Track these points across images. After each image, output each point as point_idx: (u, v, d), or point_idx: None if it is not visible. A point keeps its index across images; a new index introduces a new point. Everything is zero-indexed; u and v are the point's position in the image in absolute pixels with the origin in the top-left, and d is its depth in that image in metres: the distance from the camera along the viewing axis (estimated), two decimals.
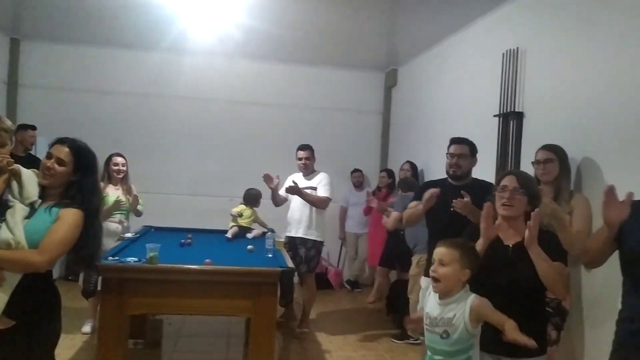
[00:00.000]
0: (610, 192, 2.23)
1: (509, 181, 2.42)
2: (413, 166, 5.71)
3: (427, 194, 3.31)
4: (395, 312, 5.38)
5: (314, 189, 4.89)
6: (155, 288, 3.25)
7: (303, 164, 5.00)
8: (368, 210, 6.33)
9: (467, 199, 3.05)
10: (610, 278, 2.49)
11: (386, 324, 5.38)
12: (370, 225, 6.49)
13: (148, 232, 4.73)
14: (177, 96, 6.85)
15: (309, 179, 4.99)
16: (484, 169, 3.73)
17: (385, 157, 7.34)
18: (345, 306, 6.16)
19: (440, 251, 2.25)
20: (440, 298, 2.25)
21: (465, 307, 2.17)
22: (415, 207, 3.57)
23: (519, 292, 2.29)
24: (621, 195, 2.20)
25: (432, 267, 2.26)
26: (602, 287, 2.89)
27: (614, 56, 2.95)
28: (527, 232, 2.23)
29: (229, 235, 4.72)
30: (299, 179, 4.98)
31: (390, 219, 4.47)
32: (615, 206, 2.22)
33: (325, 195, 4.84)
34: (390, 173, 6.23)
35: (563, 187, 3.05)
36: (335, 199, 6.86)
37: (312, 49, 6.36)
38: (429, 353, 2.31)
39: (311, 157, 5.01)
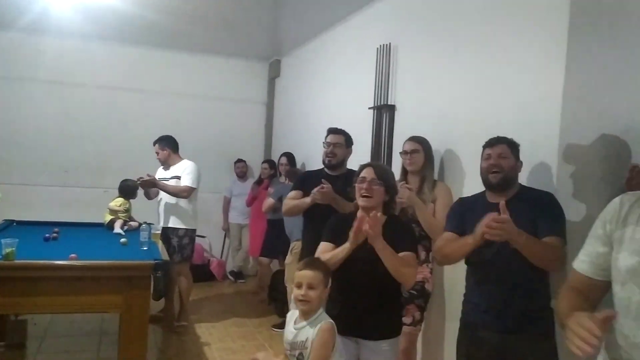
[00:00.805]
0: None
1: (367, 173, 2.53)
2: (290, 159, 5.76)
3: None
4: (276, 302, 5.43)
5: (178, 177, 4.80)
6: (14, 286, 3.01)
7: (158, 158, 4.96)
8: (251, 201, 6.32)
9: (327, 187, 3.17)
10: None
11: (268, 313, 5.41)
12: (251, 216, 6.48)
13: (9, 227, 4.37)
14: (39, 80, 6.29)
15: (167, 169, 4.93)
16: (360, 160, 3.84)
17: (269, 147, 7.36)
18: (228, 297, 6.12)
19: (308, 275, 2.27)
20: (300, 319, 2.30)
21: (315, 330, 2.23)
22: (295, 197, 3.62)
23: (376, 281, 2.40)
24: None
25: (300, 292, 2.26)
26: (462, 269, 3.11)
27: (472, 56, 3.16)
28: (367, 229, 2.29)
29: (118, 229, 4.52)
30: (159, 171, 4.96)
31: (265, 205, 4.54)
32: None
33: (188, 184, 4.76)
34: (272, 164, 6.25)
35: (427, 177, 3.24)
36: (218, 189, 6.84)
37: (192, 36, 6.20)
38: None
39: (166, 149, 4.93)
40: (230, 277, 6.97)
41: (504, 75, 2.90)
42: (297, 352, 2.26)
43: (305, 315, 2.28)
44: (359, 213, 2.52)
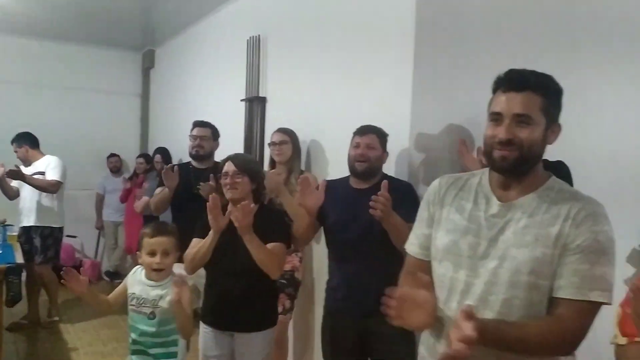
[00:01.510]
0: (305, 182, 2.47)
1: (227, 167, 2.52)
2: (165, 155, 5.59)
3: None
4: None
5: (42, 173, 4.51)
6: None
7: (18, 157, 4.67)
8: (125, 197, 6.06)
9: (210, 182, 3.14)
10: None
11: None
12: (126, 213, 6.21)
13: None
14: None
15: (29, 166, 4.64)
16: (234, 152, 3.83)
17: (145, 141, 7.08)
18: None
19: (162, 241, 2.24)
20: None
21: (169, 288, 2.22)
22: (161, 192, 3.53)
23: (250, 272, 2.39)
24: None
25: (154, 260, 2.24)
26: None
27: (337, 49, 3.25)
28: (236, 220, 2.28)
29: None
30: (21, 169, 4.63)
31: (139, 203, 4.37)
32: (311, 194, 2.48)
33: (54, 178, 4.49)
34: (148, 158, 6.03)
35: (295, 167, 3.30)
36: (90, 185, 6.48)
37: (56, 23, 5.78)
38: (132, 334, 2.31)
39: (24, 146, 4.65)
40: (105, 277, 6.63)
41: (363, 69, 3.00)
42: (148, 310, 2.25)
43: (158, 280, 2.28)
44: (230, 206, 2.51)
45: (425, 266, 1.59)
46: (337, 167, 3.02)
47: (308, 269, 3.39)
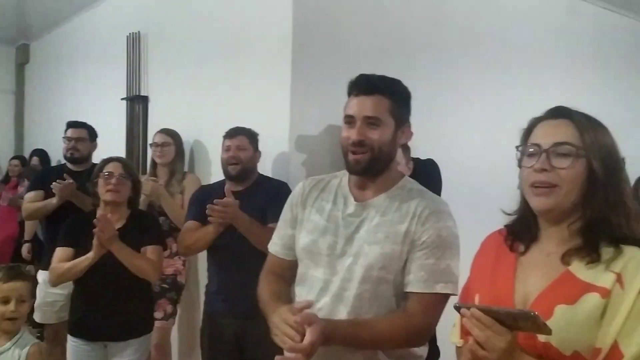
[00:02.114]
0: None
1: (114, 167, 2.45)
2: (43, 157, 5.25)
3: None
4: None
5: None
6: None
7: None
8: None
9: (68, 181, 3.00)
10: None
11: None
12: None
13: None
14: None
15: None
16: (115, 153, 3.65)
17: (20, 142, 6.58)
18: None
19: (17, 287, 1.99)
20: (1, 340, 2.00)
21: (22, 351, 1.97)
22: (35, 199, 3.29)
23: (121, 279, 2.33)
24: None
25: (9, 308, 1.96)
26: None
27: (217, 48, 3.21)
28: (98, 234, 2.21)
29: None
30: None
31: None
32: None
33: None
34: (23, 160, 5.61)
35: (177, 169, 3.22)
36: None
37: None
38: None
39: None
40: None
41: (243, 69, 3.00)
42: None
43: (9, 334, 1.98)
44: (99, 211, 2.41)
45: (286, 265, 1.63)
46: (220, 168, 2.98)
47: (192, 272, 3.32)
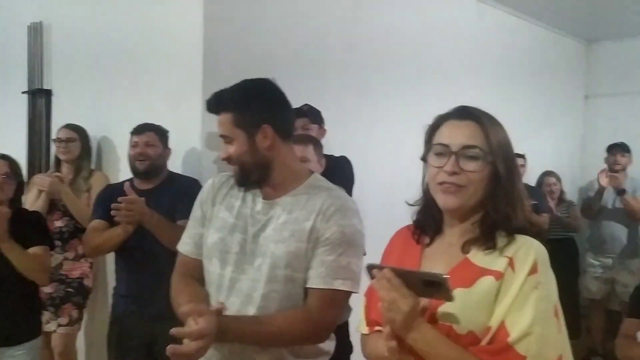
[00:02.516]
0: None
1: (0, 166, 2.31)
2: None
3: None
4: None
5: None
6: None
7: None
8: None
9: None
10: None
11: None
12: None
13: None
14: None
15: None
16: (15, 150, 3.44)
17: None
18: None
19: None
20: None
21: None
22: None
23: (6, 282, 2.21)
24: None
25: None
26: None
27: (126, 41, 3.08)
28: None
29: None
30: None
31: None
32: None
33: None
34: None
35: (83, 166, 3.08)
36: None
37: None
38: None
39: None
40: None
41: (153, 65, 2.90)
42: None
43: None
44: None
45: (198, 265, 1.59)
46: (128, 165, 2.87)
47: (101, 274, 3.18)
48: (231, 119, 1.45)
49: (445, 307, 1.12)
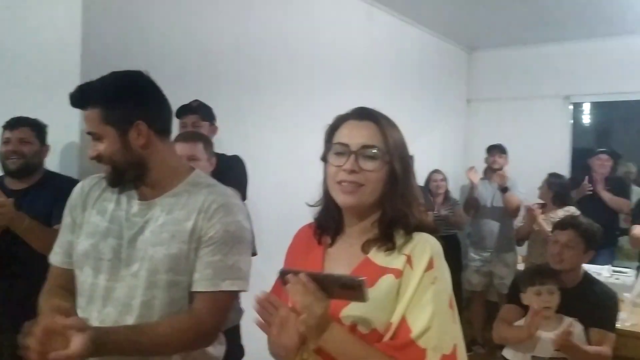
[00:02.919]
0: None
1: None
2: None
3: None
4: None
5: None
6: None
7: None
8: None
9: None
10: None
11: None
12: None
13: None
14: None
15: None
16: None
17: None
18: None
19: None
20: None
21: None
22: None
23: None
24: None
25: None
26: None
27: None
28: None
29: None
30: None
31: None
32: None
33: None
34: None
35: None
36: None
37: None
38: None
39: None
40: None
41: (27, 51, 2.68)
42: None
43: None
44: None
45: (70, 276, 1.45)
46: None
47: None
48: (99, 114, 1.34)
49: (349, 309, 1.14)
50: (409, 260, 1.16)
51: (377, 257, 1.19)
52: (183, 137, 2.30)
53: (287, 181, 3.42)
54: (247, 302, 2.05)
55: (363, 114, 1.24)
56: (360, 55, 4.22)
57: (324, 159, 1.24)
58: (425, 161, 4.72)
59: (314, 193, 1.33)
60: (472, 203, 4.74)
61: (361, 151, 1.18)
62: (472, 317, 4.76)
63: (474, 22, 4.96)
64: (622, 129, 7.26)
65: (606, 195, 4.43)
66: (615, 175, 4.78)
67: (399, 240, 1.19)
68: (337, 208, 1.24)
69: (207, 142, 2.38)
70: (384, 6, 4.40)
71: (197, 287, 1.35)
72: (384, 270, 1.16)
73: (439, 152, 5.30)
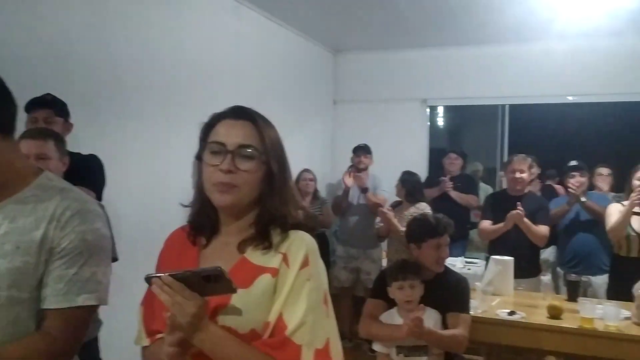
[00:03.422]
0: None
1: None
2: None
3: None
4: None
5: None
6: None
7: None
8: None
9: None
10: None
11: None
12: None
13: None
14: None
15: None
16: None
17: None
18: None
19: None
20: None
21: None
22: None
23: None
24: None
25: None
26: None
27: None
28: None
29: None
30: None
31: None
32: None
33: None
34: None
35: None
36: None
37: None
38: None
39: None
40: None
41: None
42: None
43: None
44: None
45: None
46: None
47: None
48: None
49: (226, 311, 1.13)
50: (285, 259, 1.16)
51: (254, 256, 1.18)
52: (30, 134, 2.09)
53: (150, 182, 3.25)
54: (106, 314, 1.92)
55: (240, 113, 1.22)
56: (227, 53, 4.13)
57: (199, 157, 1.21)
58: (293, 160, 4.72)
59: (180, 193, 1.29)
60: (341, 204, 4.86)
61: (238, 151, 1.17)
62: (339, 313, 4.89)
63: (338, 24, 5.09)
64: (472, 131, 7.92)
65: (454, 194, 4.84)
66: (464, 173, 5.22)
67: (275, 238, 1.19)
68: (213, 207, 1.22)
69: (59, 140, 2.17)
70: (251, 4, 4.35)
71: (49, 303, 1.19)
72: (261, 270, 1.16)
73: (307, 152, 5.36)
